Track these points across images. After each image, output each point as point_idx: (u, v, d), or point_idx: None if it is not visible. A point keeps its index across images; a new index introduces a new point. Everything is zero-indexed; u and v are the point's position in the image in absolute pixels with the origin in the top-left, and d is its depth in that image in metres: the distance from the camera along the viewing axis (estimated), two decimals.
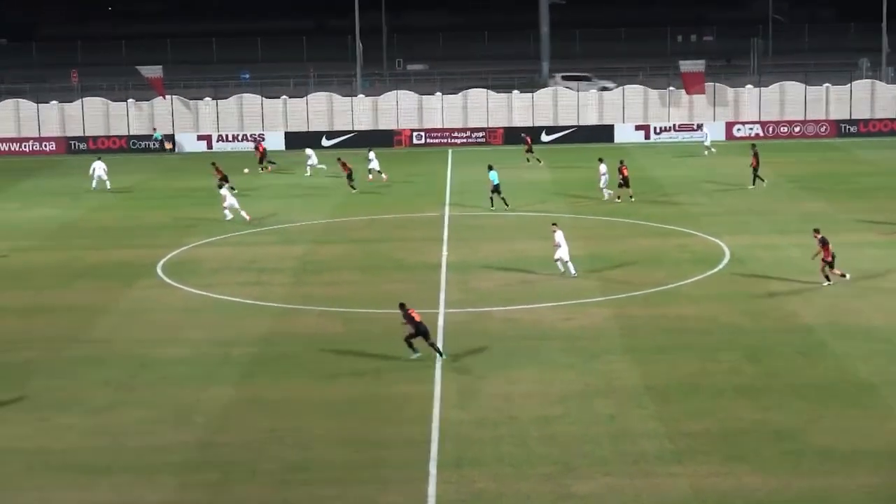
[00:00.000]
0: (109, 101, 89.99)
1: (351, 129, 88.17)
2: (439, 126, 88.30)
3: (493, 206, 58.46)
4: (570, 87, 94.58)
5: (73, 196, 66.53)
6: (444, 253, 49.53)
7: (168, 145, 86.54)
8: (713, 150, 78.21)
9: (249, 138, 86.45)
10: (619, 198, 60.14)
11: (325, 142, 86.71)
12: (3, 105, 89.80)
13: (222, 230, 54.77)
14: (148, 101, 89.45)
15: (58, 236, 55.55)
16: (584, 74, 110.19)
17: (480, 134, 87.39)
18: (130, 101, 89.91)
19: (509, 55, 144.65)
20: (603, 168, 61.13)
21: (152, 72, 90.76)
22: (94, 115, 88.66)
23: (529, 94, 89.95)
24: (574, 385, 32.48)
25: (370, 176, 68.86)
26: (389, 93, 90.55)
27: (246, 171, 72.96)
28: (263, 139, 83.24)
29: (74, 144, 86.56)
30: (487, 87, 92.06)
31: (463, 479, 26.51)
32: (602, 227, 54.56)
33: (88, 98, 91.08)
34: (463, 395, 31.90)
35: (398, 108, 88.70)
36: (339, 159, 67.65)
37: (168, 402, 31.79)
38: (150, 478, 26.87)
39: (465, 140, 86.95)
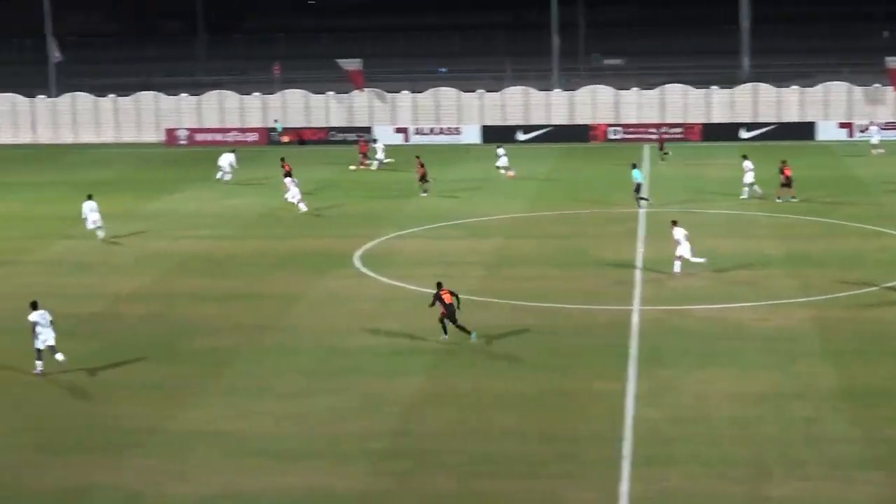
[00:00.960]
0: (310, 94, 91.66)
1: (547, 123, 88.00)
2: (635, 121, 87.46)
3: (643, 203, 57.61)
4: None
5: (273, 186, 67.85)
6: (640, 249, 48.99)
7: (285, 138, 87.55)
8: (881, 150, 75.37)
9: (445, 131, 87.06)
10: (779, 198, 58.54)
11: (520, 136, 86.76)
12: (208, 97, 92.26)
13: (416, 222, 55.19)
14: (347, 94, 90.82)
15: (257, 225, 56.78)
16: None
17: (678, 129, 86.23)
18: (330, 93, 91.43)
19: (707, 50, 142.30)
20: (748, 165, 59.83)
21: (352, 65, 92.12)
22: (294, 107, 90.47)
23: (729, 90, 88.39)
24: (771, 387, 31.75)
25: (509, 172, 68.53)
26: (585, 87, 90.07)
27: (352, 168, 73.81)
28: (368, 139, 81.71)
29: (275, 134, 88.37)
30: (684, 83, 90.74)
31: (655, 477, 26.15)
32: (800, 226, 53.28)
33: (290, 90, 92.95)
34: (656, 392, 31.49)
35: (594, 103, 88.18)
36: (417, 157, 66.00)
37: (360, 391, 32.15)
38: (341, 465, 27.20)
39: (662, 135, 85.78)
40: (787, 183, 58.76)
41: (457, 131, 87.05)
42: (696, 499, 25.18)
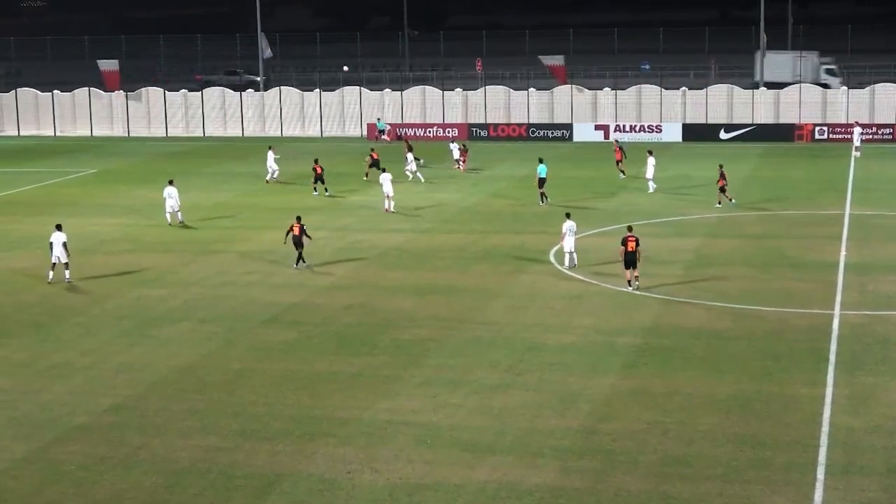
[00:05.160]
0: (511, 90, 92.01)
1: (751, 122, 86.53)
2: (843, 121, 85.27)
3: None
4: None
5: (472, 181, 68.38)
6: (843, 252, 47.83)
7: (387, 137, 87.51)
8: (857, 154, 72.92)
9: (647, 129, 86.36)
10: None
11: (723, 135, 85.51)
12: (411, 92, 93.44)
13: (615, 220, 54.91)
14: (548, 90, 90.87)
15: (456, 220, 57.29)
16: None
17: (888, 130, 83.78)
18: (531, 89, 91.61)
19: None
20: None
21: (554, 61, 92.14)
22: (495, 102, 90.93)
23: None
24: None
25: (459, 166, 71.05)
26: (792, 86, 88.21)
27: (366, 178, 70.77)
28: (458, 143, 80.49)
29: (476, 131, 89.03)
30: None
31: (851, 486, 25.53)
32: None
33: (491, 86, 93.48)
34: (856, 400, 30.71)
35: (800, 102, 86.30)
36: (461, 148, 68.36)
37: (553, 388, 32.19)
38: (532, 461, 27.28)
39: (870, 136, 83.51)
40: None
41: (658, 129, 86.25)
42: None
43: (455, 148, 74.29)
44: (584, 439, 28.54)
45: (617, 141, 75.30)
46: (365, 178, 68.18)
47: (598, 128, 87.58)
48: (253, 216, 59.14)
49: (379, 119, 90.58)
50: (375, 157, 68.86)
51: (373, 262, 48.18)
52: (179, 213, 56.96)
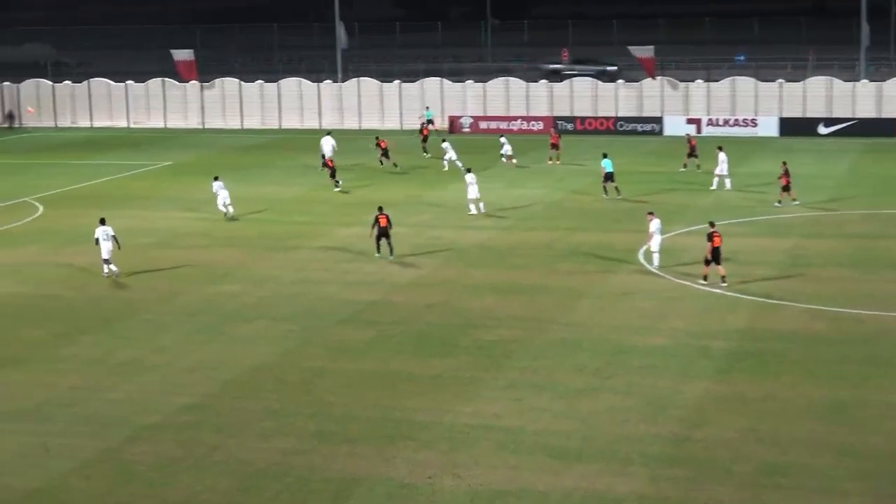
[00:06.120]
0: (598, 82, 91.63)
1: (851, 116, 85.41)
2: None
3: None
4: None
5: (557, 177, 68.22)
6: None
7: (435, 126, 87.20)
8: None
9: (741, 123, 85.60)
10: None
11: (822, 129, 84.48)
12: (494, 83, 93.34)
13: (708, 218, 54.39)
14: (637, 81, 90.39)
15: (540, 216, 57.15)
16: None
17: None
18: (620, 81, 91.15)
19: None
20: None
21: (643, 52, 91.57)
22: (581, 95, 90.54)
23: None
24: None
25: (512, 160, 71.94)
26: (895, 79, 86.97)
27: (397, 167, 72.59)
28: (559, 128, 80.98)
29: (561, 124, 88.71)
30: None
31: None
32: None
33: (577, 78, 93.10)
34: None
35: None
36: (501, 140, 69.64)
37: (643, 392, 32.00)
38: (621, 468, 27.13)
39: None
40: None
41: (753, 123, 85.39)
42: None
43: (506, 142, 74.44)
44: (674, 446, 28.34)
45: (688, 134, 75.23)
46: (381, 165, 71.04)
47: (689, 121, 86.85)
48: (328, 211, 59.41)
49: (427, 108, 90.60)
50: (384, 145, 71.20)
51: (453, 260, 48.21)
52: (230, 207, 57.70)
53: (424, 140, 78.92)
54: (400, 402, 31.63)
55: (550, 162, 72.81)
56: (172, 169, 75.67)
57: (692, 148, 69.17)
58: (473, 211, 57.07)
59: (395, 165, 71.89)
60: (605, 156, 61.85)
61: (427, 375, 33.77)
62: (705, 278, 42.87)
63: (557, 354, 35.46)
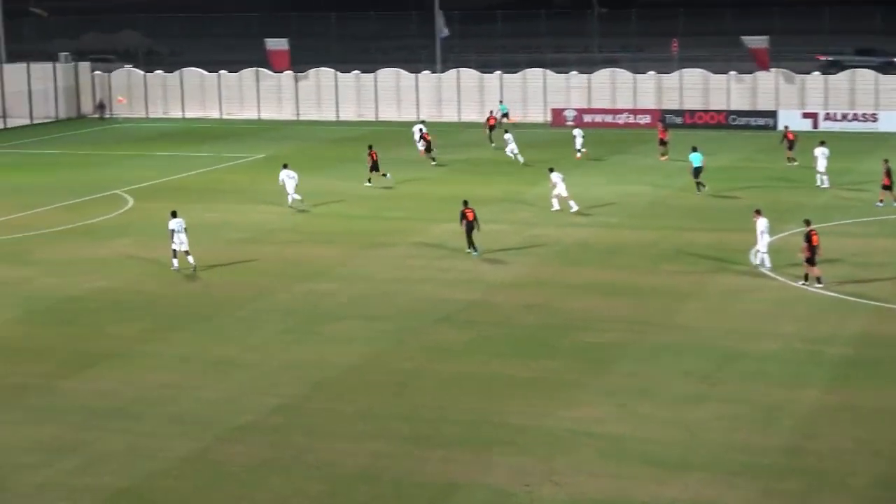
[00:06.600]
0: (709, 73, 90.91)
1: None
2: None
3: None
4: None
5: (664, 173, 67.76)
6: None
7: (511, 119, 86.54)
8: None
9: (860, 118, 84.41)
10: None
11: None
12: (599, 74, 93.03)
13: (822, 218, 53.77)
14: (750, 73, 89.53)
15: (646, 214, 56.84)
16: None
17: None
18: (732, 73, 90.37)
19: None
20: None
21: (757, 42, 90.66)
22: (692, 87, 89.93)
23: None
24: None
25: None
26: None
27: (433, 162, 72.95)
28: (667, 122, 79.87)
29: (669, 118, 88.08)
30: None
31: None
32: None
33: (687, 69, 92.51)
34: None
35: None
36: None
37: (753, 400, 31.68)
38: (729, 480, 26.88)
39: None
40: None
41: (873, 118, 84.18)
42: None
43: (580, 135, 74.27)
44: (786, 458, 28.04)
45: (787, 126, 74.38)
46: (368, 184, 65.59)
47: (805, 115, 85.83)
48: (422, 206, 59.50)
49: (501, 101, 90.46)
50: (374, 157, 65.79)
51: (554, 259, 48.11)
52: (296, 196, 58.57)
53: (491, 130, 79.99)
54: (497, 406, 31.62)
55: (663, 158, 72.26)
56: (266, 162, 76.30)
57: (791, 141, 68.80)
58: (557, 207, 56.96)
59: (433, 160, 72.47)
60: (694, 149, 61.92)
61: (526, 378, 33.74)
62: (807, 278, 42.51)
63: (663, 359, 35.24)
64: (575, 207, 56.54)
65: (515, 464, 27.93)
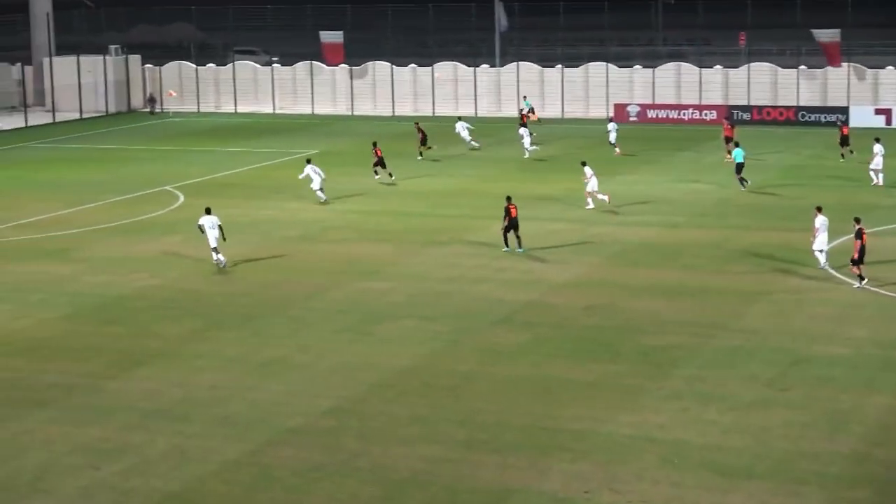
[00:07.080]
0: (778, 68, 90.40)
1: None
2: None
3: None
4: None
5: (730, 171, 67.36)
6: None
7: (534, 116, 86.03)
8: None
9: None
10: None
11: None
12: (664, 69, 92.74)
13: (891, 219, 53.40)
14: (820, 68, 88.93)
15: (711, 213, 56.63)
16: None
17: None
18: (801, 68, 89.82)
19: None
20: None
21: (828, 36, 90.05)
22: (760, 82, 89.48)
23: None
24: None
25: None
26: None
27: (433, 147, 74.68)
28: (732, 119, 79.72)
29: (736, 114, 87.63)
30: None
31: None
32: None
33: (755, 63, 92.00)
34: None
35: None
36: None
37: (821, 406, 31.50)
38: (795, 488, 26.74)
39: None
40: None
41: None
42: None
43: (614, 129, 74.23)
44: (855, 466, 27.86)
45: (839, 118, 74.37)
46: (376, 177, 66.29)
47: (878, 112, 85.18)
48: (479, 204, 59.43)
49: (525, 97, 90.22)
50: (379, 154, 66.21)
51: (615, 259, 48.01)
52: (322, 193, 59.43)
53: (523, 126, 79.83)
54: (555, 410, 31.60)
55: (728, 158, 71.80)
56: (320, 158, 76.49)
57: (844, 136, 68.90)
58: (591, 205, 56.77)
59: (420, 154, 73.70)
60: (736, 144, 63.09)
61: (585, 382, 33.70)
62: (861, 278, 42.21)
63: (728, 363, 35.10)
64: (605, 198, 56.48)
65: (573, 470, 27.91)
